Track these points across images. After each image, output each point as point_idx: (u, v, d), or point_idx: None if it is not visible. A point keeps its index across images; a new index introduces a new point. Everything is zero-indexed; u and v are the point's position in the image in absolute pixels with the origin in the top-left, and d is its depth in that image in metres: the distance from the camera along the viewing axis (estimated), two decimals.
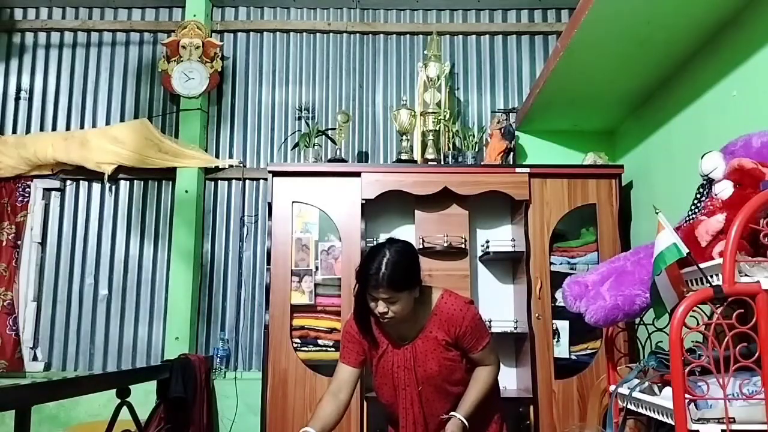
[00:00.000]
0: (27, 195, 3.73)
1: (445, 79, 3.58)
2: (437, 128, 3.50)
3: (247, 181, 3.77)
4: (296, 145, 3.67)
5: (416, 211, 3.30)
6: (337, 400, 1.99)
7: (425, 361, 1.97)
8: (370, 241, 3.27)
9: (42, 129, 3.86)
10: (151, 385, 2.90)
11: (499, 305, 3.38)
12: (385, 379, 2.04)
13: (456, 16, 3.94)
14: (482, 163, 3.42)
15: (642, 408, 1.79)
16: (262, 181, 3.75)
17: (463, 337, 1.96)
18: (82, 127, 3.85)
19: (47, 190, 3.78)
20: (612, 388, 2.07)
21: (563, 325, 3.17)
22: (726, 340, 1.49)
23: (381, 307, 1.87)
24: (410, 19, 3.94)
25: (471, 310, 1.99)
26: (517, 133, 3.65)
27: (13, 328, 3.59)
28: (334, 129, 3.64)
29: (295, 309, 3.17)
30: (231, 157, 3.81)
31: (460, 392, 2.01)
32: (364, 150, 3.82)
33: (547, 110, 3.39)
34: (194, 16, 3.80)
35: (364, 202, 3.21)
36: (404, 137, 3.50)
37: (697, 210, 1.88)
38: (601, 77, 2.94)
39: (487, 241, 3.35)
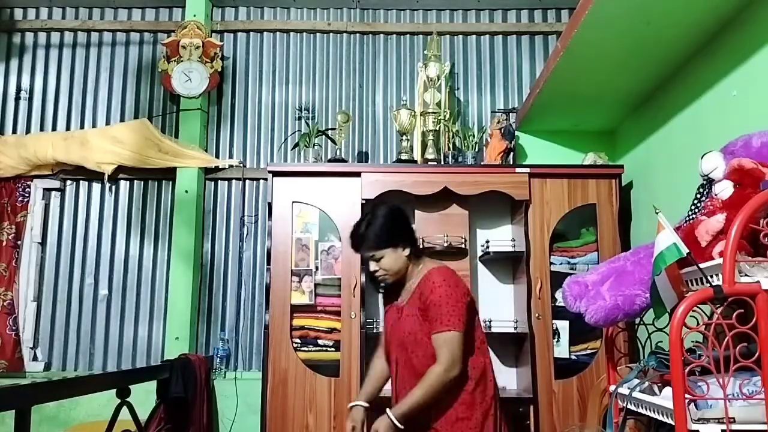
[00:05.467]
0: (27, 195, 3.73)
1: (445, 79, 3.58)
2: (437, 128, 3.50)
3: (247, 181, 3.77)
4: (296, 145, 3.66)
5: (416, 211, 3.30)
6: (383, 359, 2.14)
7: (404, 322, 2.01)
8: None
9: (42, 129, 3.86)
10: (151, 385, 2.90)
11: (499, 305, 3.38)
12: (386, 336, 2.13)
13: (456, 16, 3.94)
14: (482, 163, 3.42)
15: (642, 408, 1.79)
16: (262, 181, 3.75)
17: (427, 309, 1.93)
18: (82, 127, 3.85)
19: (47, 190, 3.78)
20: (612, 388, 2.07)
21: (563, 325, 3.17)
22: (726, 340, 1.49)
23: (372, 266, 2.02)
24: (410, 19, 3.94)
25: (445, 286, 1.93)
26: (517, 133, 3.65)
27: (13, 328, 3.59)
28: (334, 129, 3.64)
29: (295, 309, 3.17)
30: (231, 157, 3.81)
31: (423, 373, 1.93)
32: (364, 150, 3.82)
33: (547, 110, 3.39)
34: (194, 16, 3.80)
35: (364, 202, 3.21)
36: (404, 137, 3.50)
37: (697, 210, 1.88)
38: (601, 77, 2.94)
39: (487, 241, 3.35)
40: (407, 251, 2.02)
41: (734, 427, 1.48)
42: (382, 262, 2.00)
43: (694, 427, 1.49)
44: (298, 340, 3.15)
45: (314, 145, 3.51)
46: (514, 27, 3.90)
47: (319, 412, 3.05)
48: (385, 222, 2.02)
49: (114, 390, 2.00)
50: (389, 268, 2.01)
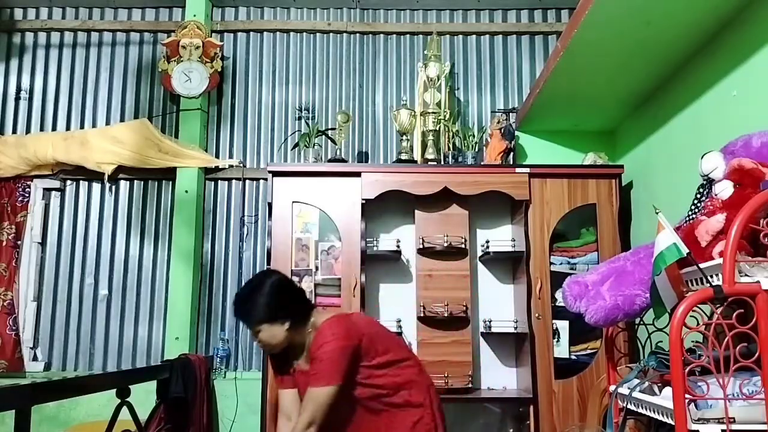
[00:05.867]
0: (27, 195, 3.73)
1: (445, 79, 3.58)
2: (437, 128, 3.50)
3: (247, 181, 3.77)
4: (296, 145, 3.66)
5: (416, 211, 3.30)
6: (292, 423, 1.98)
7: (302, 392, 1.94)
8: (370, 241, 3.27)
9: (42, 129, 3.85)
10: (151, 385, 2.90)
11: (499, 305, 3.38)
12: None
13: (456, 16, 3.94)
14: (482, 163, 3.42)
15: (642, 408, 1.79)
16: (262, 181, 3.75)
17: (312, 362, 1.90)
18: (82, 127, 3.84)
19: (47, 190, 3.78)
20: (612, 388, 2.08)
21: (563, 325, 3.17)
22: (726, 340, 1.49)
23: (254, 337, 1.96)
24: (410, 19, 3.93)
25: (333, 341, 1.87)
26: (517, 133, 3.65)
27: (13, 328, 3.59)
28: (334, 129, 3.64)
29: None
30: (231, 157, 3.81)
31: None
32: (364, 150, 3.82)
33: (547, 110, 3.39)
34: (194, 16, 3.80)
35: (364, 202, 3.21)
36: (404, 137, 3.49)
37: (697, 210, 1.88)
38: (601, 77, 2.94)
39: (487, 241, 3.35)
40: (286, 324, 1.94)
41: (734, 427, 1.48)
42: (261, 336, 1.95)
43: (694, 427, 1.49)
44: None
45: (314, 145, 3.51)
46: (514, 27, 3.90)
47: None
48: (264, 297, 1.95)
49: (114, 390, 2.00)
50: (267, 342, 1.96)
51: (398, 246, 3.30)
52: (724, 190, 1.73)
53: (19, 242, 3.69)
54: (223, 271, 3.71)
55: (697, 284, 1.65)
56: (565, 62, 2.75)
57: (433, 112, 3.50)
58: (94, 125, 3.84)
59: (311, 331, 1.98)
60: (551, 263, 3.21)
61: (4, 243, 3.67)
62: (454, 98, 3.81)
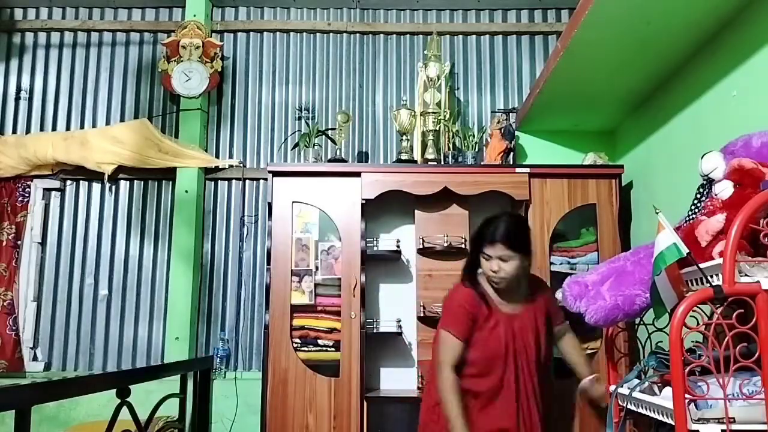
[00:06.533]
0: (27, 195, 3.73)
1: (445, 79, 3.58)
2: (437, 128, 3.50)
3: (247, 181, 3.77)
4: (296, 145, 3.66)
5: (416, 211, 3.30)
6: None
7: (526, 333, 2.15)
8: (370, 241, 3.27)
9: (42, 129, 3.86)
10: (151, 385, 2.90)
11: None
12: (490, 350, 2.12)
13: (456, 16, 3.94)
14: (482, 163, 3.42)
15: (642, 408, 1.79)
16: (262, 181, 3.75)
17: (558, 309, 2.28)
18: (82, 127, 3.85)
19: (47, 190, 3.78)
20: (612, 388, 2.08)
21: None
22: (726, 340, 1.49)
23: (494, 265, 2.08)
24: (410, 19, 3.94)
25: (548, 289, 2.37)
26: (517, 133, 3.65)
27: (13, 328, 3.59)
28: (334, 129, 3.64)
29: (295, 309, 3.17)
30: (231, 157, 3.81)
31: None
32: (364, 150, 3.82)
33: (547, 110, 3.39)
34: (194, 16, 3.80)
35: (364, 202, 3.21)
36: (404, 137, 3.49)
37: (697, 210, 1.88)
38: (601, 77, 2.94)
39: None
40: (526, 263, 2.15)
41: (734, 427, 1.48)
42: (508, 264, 2.09)
43: (694, 427, 1.49)
44: (298, 340, 3.15)
45: (314, 145, 3.51)
46: (514, 27, 3.90)
47: (319, 412, 3.05)
48: (523, 229, 2.19)
49: (114, 390, 2.00)
50: (509, 273, 2.10)
51: (398, 246, 3.30)
52: (724, 190, 1.73)
53: (19, 242, 3.69)
54: (223, 271, 3.71)
55: (697, 284, 1.65)
56: (565, 62, 2.75)
57: (433, 112, 3.50)
58: (94, 125, 3.85)
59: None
60: (551, 263, 3.20)
61: (4, 243, 3.67)
62: (454, 98, 3.81)
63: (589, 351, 3.16)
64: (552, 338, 2.29)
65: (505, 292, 2.17)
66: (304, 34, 3.93)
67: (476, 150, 3.52)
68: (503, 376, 2.09)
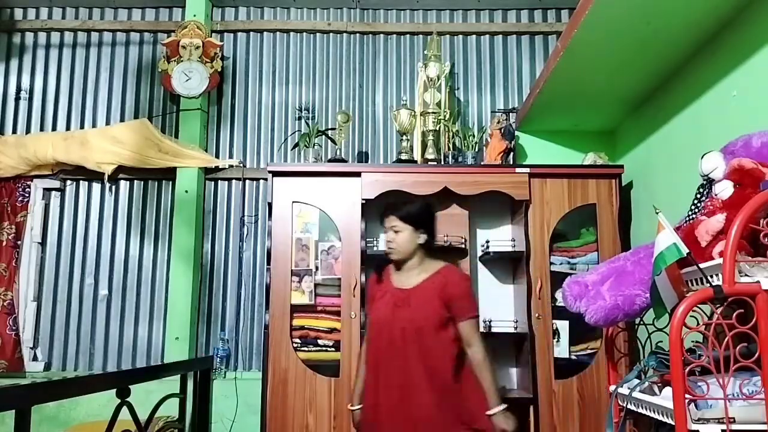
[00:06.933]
0: (27, 195, 3.73)
1: (445, 79, 3.58)
2: (437, 128, 3.50)
3: (247, 181, 3.77)
4: (296, 145, 3.66)
5: None
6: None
7: (417, 308, 2.22)
8: (370, 241, 3.27)
9: (42, 129, 3.86)
10: (151, 385, 2.90)
11: (499, 305, 3.38)
12: (374, 319, 2.32)
13: (456, 16, 3.94)
14: (482, 163, 3.42)
15: (642, 408, 1.79)
16: (262, 181, 3.75)
17: (456, 298, 2.24)
18: (82, 127, 3.85)
19: (47, 190, 3.78)
20: (612, 388, 2.08)
21: (563, 325, 3.17)
22: (726, 340, 1.49)
23: (389, 236, 2.30)
24: (410, 19, 3.94)
25: (469, 283, 2.38)
26: (517, 133, 3.65)
27: (13, 328, 3.59)
28: (334, 129, 3.64)
29: (295, 309, 3.17)
30: (231, 157, 3.81)
31: (434, 365, 2.17)
32: (364, 150, 3.82)
33: (547, 110, 3.39)
34: (194, 16, 3.80)
35: (364, 202, 3.21)
36: (404, 137, 3.49)
37: (697, 210, 1.88)
38: (601, 77, 2.94)
39: (487, 241, 3.35)
40: (421, 239, 2.30)
41: (734, 427, 1.48)
42: (398, 236, 2.28)
43: (694, 427, 1.49)
44: (298, 340, 3.15)
45: (314, 145, 3.51)
46: (514, 27, 3.90)
47: (319, 412, 3.05)
48: (421, 207, 2.36)
49: (114, 390, 2.00)
50: (399, 244, 2.29)
51: None
52: (724, 190, 1.73)
53: (19, 242, 3.69)
54: (223, 271, 3.71)
55: (697, 284, 1.65)
56: (565, 62, 2.75)
57: (433, 112, 3.50)
58: (94, 125, 3.84)
59: (431, 264, 2.32)
60: (551, 263, 3.20)
61: (4, 243, 3.67)
62: (454, 98, 3.81)
63: (589, 351, 3.17)
64: (452, 327, 2.23)
65: (402, 267, 2.34)
66: (304, 34, 3.93)
67: (476, 150, 3.52)
68: (387, 345, 2.23)
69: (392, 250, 2.31)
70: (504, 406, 2.17)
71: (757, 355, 1.48)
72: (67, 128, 3.85)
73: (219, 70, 3.79)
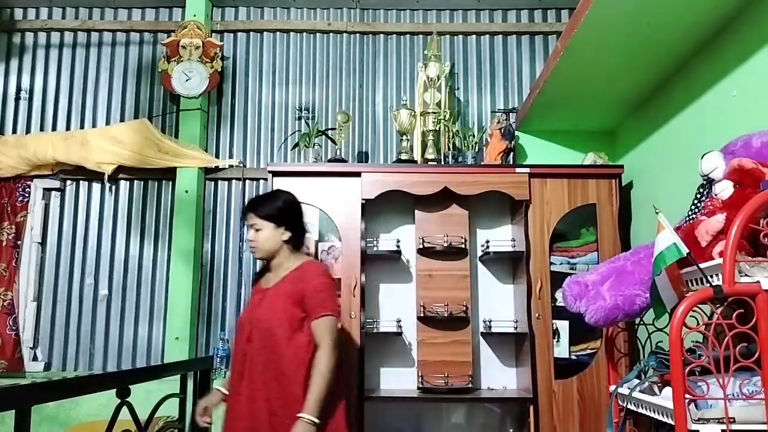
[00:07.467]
0: (27, 195, 3.73)
1: (445, 79, 3.58)
2: (437, 128, 3.50)
3: (247, 181, 3.77)
4: (296, 145, 3.66)
5: (416, 211, 3.30)
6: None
7: (268, 307, 2.14)
8: (370, 241, 3.27)
9: (42, 129, 3.86)
10: (151, 385, 2.90)
11: (499, 305, 3.38)
12: (240, 321, 2.25)
13: (456, 16, 3.94)
14: (482, 163, 3.42)
15: (642, 408, 1.79)
16: (262, 181, 3.75)
17: (313, 293, 2.12)
18: (82, 127, 3.85)
19: (47, 190, 3.78)
20: (612, 388, 2.08)
21: (563, 325, 3.17)
22: (726, 340, 1.49)
23: (250, 234, 2.22)
24: (410, 19, 3.94)
25: (329, 278, 2.20)
26: (517, 133, 3.65)
27: (13, 328, 3.59)
28: (334, 129, 3.64)
29: None
30: (231, 157, 3.81)
31: (283, 372, 2.06)
32: (364, 150, 3.82)
33: (547, 110, 3.39)
34: (194, 16, 3.80)
35: (364, 202, 3.21)
36: (404, 137, 3.49)
37: (697, 210, 1.88)
38: (601, 77, 2.94)
39: (487, 241, 3.35)
40: (286, 236, 2.21)
41: (734, 427, 1.48)
42: (259, 234, 2.20)
43: (694, 427, 1.49)
44: None
45: (314, 145, 3.51)
46: (514, 27, 3.90)
47: None
48: (279, 202, 2.23)
49: (114, 390, 2.00)
50: (261, 243, 2.20)
51: (398, 246, 3.30)
52: (724, 190, 1.73)
53: (19, 242, 3.69)
54: (223, 271, 3.71)
55: (697, 284, 1.65)
56: (565, 62, 2.75)
57: (433, 112, 3.50)
58: (94, 125, 3.85)
59: (296, 260, 2.22)
60: (551, 263, 3.20)
61: (4, 243, 3.67)
62: (454, 98, 3.81)
63: (589, 351, 3.17)
64: (309, 328, 2.12)
65: (271, 266, 2.26)
66: (304, 34, 3.93)
67: (476, 150, 3.52)
68: (243, 347, 2.16)
69: (254, 249, 2.23)
70: (316, 421, 1.96)
71: (757, 355, 1.48)
72: (67, 128, 3.85)
73: (219, 70, 3.79)
